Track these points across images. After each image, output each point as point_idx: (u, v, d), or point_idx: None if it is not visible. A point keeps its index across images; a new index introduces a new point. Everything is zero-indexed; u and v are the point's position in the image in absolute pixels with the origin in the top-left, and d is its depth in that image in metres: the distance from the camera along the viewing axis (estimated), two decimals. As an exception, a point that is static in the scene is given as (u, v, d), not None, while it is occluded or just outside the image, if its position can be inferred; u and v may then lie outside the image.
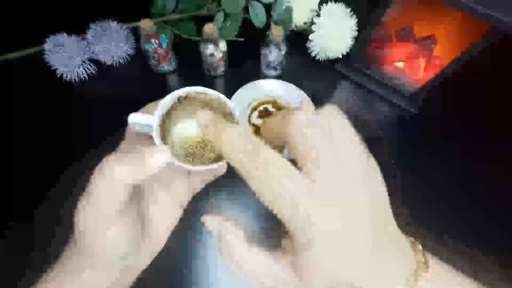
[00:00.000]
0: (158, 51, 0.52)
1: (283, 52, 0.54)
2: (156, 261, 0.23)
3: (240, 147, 0.15)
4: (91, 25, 0.53)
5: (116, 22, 0.54)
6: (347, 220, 0.14)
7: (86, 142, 0.43)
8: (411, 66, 0.58)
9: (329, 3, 0.55)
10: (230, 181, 0.45)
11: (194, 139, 0.26)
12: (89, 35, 0.53)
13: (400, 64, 0.59)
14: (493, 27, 0.40)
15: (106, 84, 0.55)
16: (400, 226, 0.17)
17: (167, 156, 0.18)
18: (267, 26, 0.57)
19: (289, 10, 0.56)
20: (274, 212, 0.14)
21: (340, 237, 0.14)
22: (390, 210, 0.16)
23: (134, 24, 0.56)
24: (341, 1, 0.55)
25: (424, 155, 0.52)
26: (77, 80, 0.54)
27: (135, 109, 0.23)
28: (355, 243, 0.14)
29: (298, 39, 0.60)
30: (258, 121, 0.53)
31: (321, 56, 0.59)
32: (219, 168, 0.24)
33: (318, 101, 0.54)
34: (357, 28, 0.56)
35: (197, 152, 0.25)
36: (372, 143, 0.17)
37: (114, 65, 0.56)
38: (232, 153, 0.15)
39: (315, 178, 0.14)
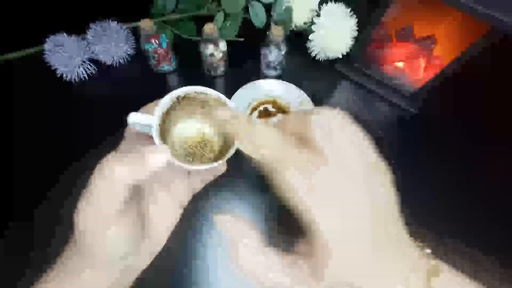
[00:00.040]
0: (158, 51, 0.52)
1: (283, 52, 0.54)
2: (156, 261, 0.23)
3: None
4: (91, 25, 0.53)
5: (116, 22, 0.54)
6: (347, 220, 0.14)
7: (86, 142, 0.43)
8: (411, 66, 0.58)
9: (329, 3, 0.55)
10: (230, 181, 0.46)
11: (194, 139, 0.26)
12: (89, 35, 0.53)
13: (400, 64, 0.59)
14: (493, 27, 0.40)
15: (106, 84, 0.55)
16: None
17: (167, 156, 0.18)
18: (267, 26, 0.57)
19: (289, 10, 0.56)
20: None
21: (340, 237, 0.14)
22: (393, 210, 0.16)
23: (134, 24, 0.56)
24: (341, 1, 0.55)
25: (424, 155, 0.52)
26: (77, 80, 0.54)
27: (135, 109, 0.23)
28: (355, 243, 0.14)
29: (298, 39, 0.60)
30: (258, 121, 0.53)
31: (321, 56, 0.59)
32: (219, 167, 0.24)
33: (318, 101, 0.54)
34: (357, 28, 0.56)
35: (197, 152, 0.25)
36: (372, 143, 0.17)
37: (114, 65, 0.56)
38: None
39: (315, 178, 0.14)
